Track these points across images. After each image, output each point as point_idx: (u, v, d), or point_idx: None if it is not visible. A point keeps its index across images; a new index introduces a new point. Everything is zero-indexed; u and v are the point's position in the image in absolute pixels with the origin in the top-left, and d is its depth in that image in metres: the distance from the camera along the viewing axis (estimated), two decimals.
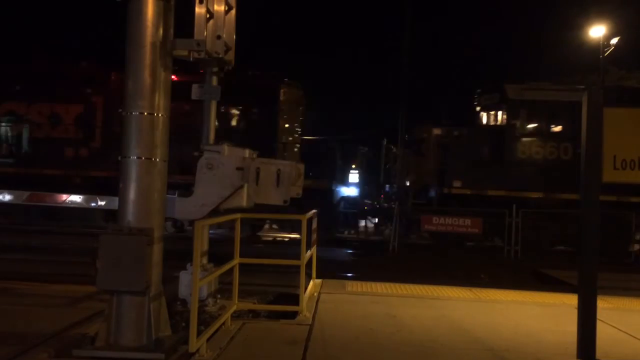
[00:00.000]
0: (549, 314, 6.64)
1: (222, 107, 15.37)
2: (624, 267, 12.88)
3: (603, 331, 5.16)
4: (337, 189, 17.88)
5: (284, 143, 15.75)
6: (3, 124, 15.56)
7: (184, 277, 5.84)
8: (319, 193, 15.40)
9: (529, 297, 7.64)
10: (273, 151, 15.31)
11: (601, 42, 24.09)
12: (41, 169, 15.05)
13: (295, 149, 16.02)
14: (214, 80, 6.13)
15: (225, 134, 15.07)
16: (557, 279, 10.44)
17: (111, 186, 14.49)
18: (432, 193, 15.97)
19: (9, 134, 15.56)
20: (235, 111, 15.89)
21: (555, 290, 8.74)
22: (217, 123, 16.66)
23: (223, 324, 5.21)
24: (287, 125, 15.97)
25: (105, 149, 15.07)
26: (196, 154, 5.65)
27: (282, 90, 15.87)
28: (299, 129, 16.45)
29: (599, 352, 4.17)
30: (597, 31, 24.38)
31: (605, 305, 6.92)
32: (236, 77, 16.21)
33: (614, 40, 24.07)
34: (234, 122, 15.81)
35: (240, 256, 5.70)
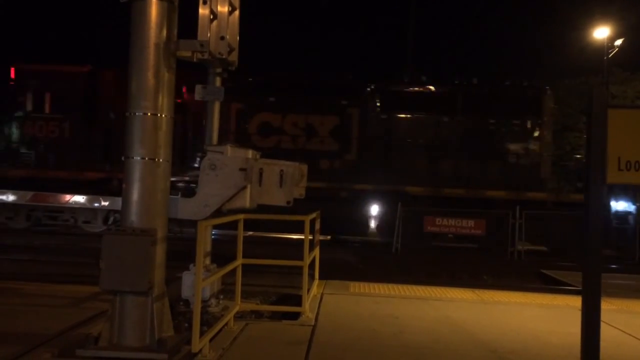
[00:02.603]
0: (553, 315, 6.62)
1: (485, 119, 15.35)
2: (629, 267, 12.82)
3: (607, 333, 5.14)
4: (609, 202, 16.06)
5: (551, 156, 15.39)
6: (258, 136, 15.18)
7: (186, 277, 5.86)
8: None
9: (533, 299, 7.62)
10: (538, 165, 15.04)
11: (605, 44, 24.04)
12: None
13: (550, 162, 15.57)
14: (217, 81, 6.14)
15: (488, 146, 15.17)
16: (560, 281, 10.40)
17: (373, 198, 14.77)
18: None
19: (264, 146, 14.83)
20: (500, 123, 15.45)
21: (559, 292, 8.72)
22: (482, 136, 15.87)
23: (226, 324, 5.21)
24: (549, 137, 15.56)
25: (361, 161, 15.05)
26: (199, 154, 5.66)
27: (545, 101, 15.34)
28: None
29: (603, 355, 4.15)
30: (601, 32, 24.34)
31: (609, 307, 6.90)
32: (500, 88, 15.98)
33: (618, 42, 24.02)
34: (498, 135, 15.37)
35: (243, 257, 5.71)
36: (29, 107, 14.94)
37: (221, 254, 6.30)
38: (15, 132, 15.10)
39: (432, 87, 15.64)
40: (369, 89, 15.41)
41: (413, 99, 15.44)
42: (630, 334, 5.86)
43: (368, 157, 15.10)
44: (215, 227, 6.57)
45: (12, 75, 15.17)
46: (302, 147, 15.01)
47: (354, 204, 14.89)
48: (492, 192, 14.76)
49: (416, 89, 15.60)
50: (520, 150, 15.17)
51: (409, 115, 15.36)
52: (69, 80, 15.00)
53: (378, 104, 15.37)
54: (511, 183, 14.75)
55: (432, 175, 14.97)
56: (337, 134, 15.16)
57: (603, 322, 4.48)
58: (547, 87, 15.74)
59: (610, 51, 24.04)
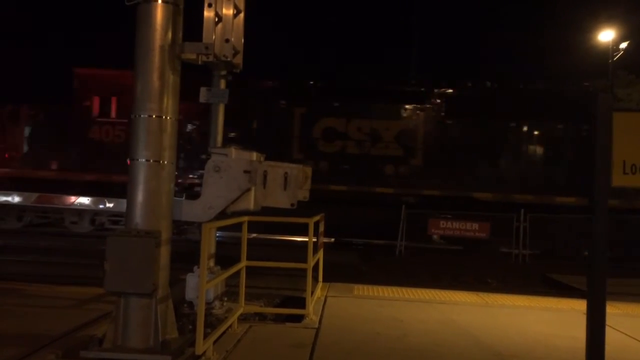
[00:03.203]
0: (558, 319, 6.60)
1: (551, 124, 15.15)
2: (633, 272, 12.75)
3: (612, 337, 5.12)
4: None
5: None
6: (322, 140, 15.11)
7: (190, 279, 5.85)
8: None
9: (537, 303, 7.59)
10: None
11: (610, 46, 23.98)
12: (365, 187, 14.72)
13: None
14: (222, 84, 6.15)
15: (554, 152, 15.03)
16: (566, 284, 10.37)
17: (440, 204, 14.63)
18: None
19: (329, 151, 15.01)
20: (565, 128, 15.22)
21: (564, 296, 8.68)
22: (547, 141, 15.58)
23: (230, 326, 5.22)
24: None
25: (427, 166, 15.08)
26: (204, 156, 5.66)
27: None
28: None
29: (608, 358, 4.13)
30: (606, 35, 24.28)
31: (614, 311, 6.88)
32: (560, 92, 15.78)
33: (624, 45, 23.95)
34: (564, 140, 15.18)
35: (247, 259, 5.71)
36: (95, 111, 14.93)
37: (225, 255, 6.30)
38: (82, 137, 14.99)
39: (496, 92, 15.59)
40: (433, 94, 15.42)
41: (478, 103, 15.34)
42: (635, 338, 5.83)
43: (434, 162, 15.10)
44: (219, 229, 6.58)
45: (76, 79, 15.14)
46: (367, 152, 15.01)
47: (419, 209, 14.82)
48: (561, 198, 14.60)
49: (481, 93, 15.56)
50: (587, 155, 14.97)
51: (474, 120, 15.24)
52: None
53: (443, 109, 15.35)
54: (579, 189, 14.43)
55: (499, 181, 14.88)
56: (402, 139, 15.13)
57: (608, 325, 4.46)
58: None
59: (615, 54, 23.99)
